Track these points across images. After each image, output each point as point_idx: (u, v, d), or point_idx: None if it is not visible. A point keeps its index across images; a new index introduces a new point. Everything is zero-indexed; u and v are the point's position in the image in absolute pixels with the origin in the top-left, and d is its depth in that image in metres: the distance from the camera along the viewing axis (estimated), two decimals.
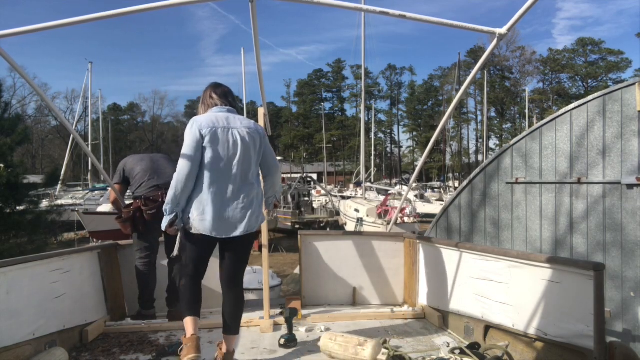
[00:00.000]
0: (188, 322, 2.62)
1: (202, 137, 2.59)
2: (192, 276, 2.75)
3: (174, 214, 2.60)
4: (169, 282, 3.89)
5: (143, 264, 3.81)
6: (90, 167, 36.89)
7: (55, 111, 4.16)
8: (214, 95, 2.83)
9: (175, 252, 2.76)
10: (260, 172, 2.91)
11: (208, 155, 2.59)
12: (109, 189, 4.30)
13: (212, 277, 4.13)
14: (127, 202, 4.02)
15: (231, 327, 2.77)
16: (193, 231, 2.62)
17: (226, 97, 2.85)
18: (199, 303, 2.76)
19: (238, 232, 2.66)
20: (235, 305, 2.81)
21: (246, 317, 3.72)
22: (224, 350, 2.79)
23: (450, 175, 52.11)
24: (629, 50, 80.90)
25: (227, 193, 2.62)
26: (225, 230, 2.63)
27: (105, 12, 2.77)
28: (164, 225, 2.62)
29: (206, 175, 2.59)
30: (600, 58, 60.17)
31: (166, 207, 2.60)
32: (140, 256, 3.81)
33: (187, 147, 2.58)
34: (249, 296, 6.74)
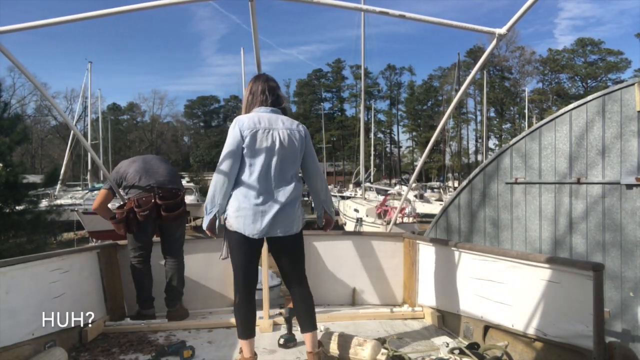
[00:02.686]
0: (245, 345, 2.71)
1: (242, 138, 2.60)
2: (243, 287, 2.70)
3: (212, 214, 2.62)
4: (167, 282, 3.89)
5: (137, 262, 3.82)
6: (89, 167, 36.87)
7: (55, 106, 4.17)
8: (261, 92, 2.80)
9: (224, 255, 2.72)
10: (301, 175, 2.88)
11: (247, 155, 2.61)
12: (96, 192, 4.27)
13: (213, 277, 4.16)
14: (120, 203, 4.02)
15: (306, 324, 2.76)
16: (232, 229, 2.62)
17: (274, 94, 2.82)
18: (254, 320, 2.74)
19: (273, 234, 2.64)
20: (306, 303, 2.79)
21: None
22: (309, 349, 2.76)
23: (450, 175, 52.11)
24: (630, 50, 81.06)
25: (265, 193, 2.62)
26: (260, 230, 2.61)
27: (105, 10, 2.77)
28: (204, 224, 2.64)
29: (245, 175, 2.62)
30: (600, 58, 60.21)
31: (205, 205, 2.64)
32: (134, 255, 3.82)
33: (227, 146, 2.62)
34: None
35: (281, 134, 2.67)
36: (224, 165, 2.60)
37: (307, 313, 2.77)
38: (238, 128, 2.62)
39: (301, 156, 2.77)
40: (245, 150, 2.61)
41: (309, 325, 2.75)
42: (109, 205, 4.22)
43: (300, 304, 2.79)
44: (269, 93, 2.80)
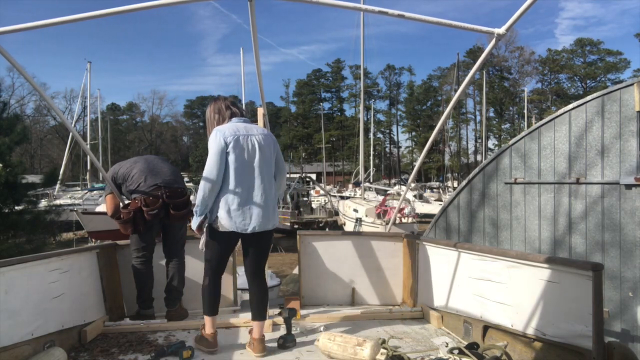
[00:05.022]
0: (209, 321, 3.06)
1: (226, 145, 2.89)
2: (214, 273, 3.06)
3: (204, 215, 2.93)
4: (168, 282, 3.88)
5: (140, 262, 3.81)
6: (89, 167, 36.85)
7: (54, 108, 4.15)
8: (232, 107, 3.15)
9: (201, 246, 3.06)
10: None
11: (232, 159, 2.89)
12: (104, 199, 4.26)
13: None
14: (125, 202, 4.01)
15: (258, 313, 3.06)
16: (221, 229, 2.93)
17: (238, 107, 3.20)
18: (218, 302, 3.11)
19: (262, 228, 2.96)
20: (259, 293, 3.12)
21: (245, 316, 3.72)
22: (254, 336, 3.02)
23: (449, 175, 52.16)
24: (631, 50, 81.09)
25: (251, 192, 2.94)
26: (251, 226, 2.92)
27: (104, 10, 2.76)
28: (194, 225, 2.96)
29: (231, 177, 2.89)
30: (599, 58, 60.32)
31: (196, 209, 2.93)
32: (137, 255, 3.81)
33: (213, 154, 2.89)
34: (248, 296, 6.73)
35: (258, 139, 3.01)
36: (212, 171, 2.87)
37: (263, 303, 3.10)
38: (221, 136, 2.90)
39: (275, 157, 3.12)
40: (230, 156, 2.89)
41: (262, 314, 3.07)
42: None
43: (258, 294, 3.11)
44: (234, 107, 3.17)
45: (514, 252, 3.01)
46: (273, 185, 3.07)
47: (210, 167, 2.87)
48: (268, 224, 2.99)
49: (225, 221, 2.89)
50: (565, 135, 5.15)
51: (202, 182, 2.89)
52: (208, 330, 3.05)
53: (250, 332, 3.09)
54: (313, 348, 3.07)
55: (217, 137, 2.90)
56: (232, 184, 2.89)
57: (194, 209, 2.94)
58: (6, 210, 9.21)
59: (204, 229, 3.02)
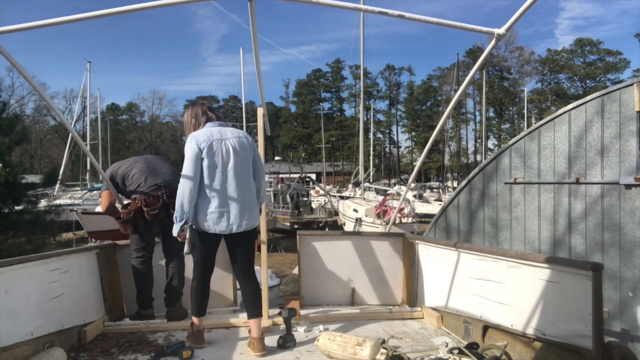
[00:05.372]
0: (197, 320, 3.17)
1: (200, 150, 2.95)
2: (202, 276, 3.15)
3: (184, 221, 2.94)
4: (168, 281, 3.88)
5: (140, 262, 3.80)
6: (89, 167, 36.84)
7: (54, 109, 4.14)
8: (208, 113, 3.22)
9: (187, 250, 3.09)
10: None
11: (206, 164, 2.95)
12: (100, 196, 4.26)
13: (212, 277, 4.14)
14: (125, 202, 4.00)
15: (254, 311, 3.09)
16: (200, 231, 3.01)
17: (215, 112, 3.27)
18: (206, 303, 3.21)
19: (241, 228, 3.01)
20: (251, 291, 3.15)
21: (245, 316, 3.72)
22: (254, 335, 3.05)
23: (449, 175, 52.17)
24: (631, 50, 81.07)
25: (227, 195, 2.98)
26: (228, 228, 2.98)
27: (104, 10, 2.75)
28: (175, 231, 2.95)
29: (207, 182, 2.96)
30: (599, 58, 60.32)
31: (176, 214, 2.95)
32: (136, 255, 3.81)
33: (188, 160, 2.95)
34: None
35: (232, 142, 3.06)
36: (188, 177, 2.93)
37: (257, 300, 3.14)
38: (195, 142, 2.97)
39: (251, 159, 3.15)
40: (204, 161, 2.95)
41: (258, 311, 3.11)
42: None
43: (251, 291, 3.15)
44: (211, 112, 3.23)
45: (513, 252, 3.01)
46: (251, 187, 3.10)
47: (186, 174, 2.94)
48: (246, 224, 3.03)
49: (203, 224, 2.97)
50: (565, 135, 5.16)
51: (179, 188, 2.94)
52: (197, 324, 3.18)
53: (250, 332, 3.11)
54: (313, 348, 3.07)
55: (192, 143, 2.96)
56: (208, 188, 2.95)
57: (174, 216, 2.96)
58: (6, 210, 9.20)
59: (186, 234, 3.03)
